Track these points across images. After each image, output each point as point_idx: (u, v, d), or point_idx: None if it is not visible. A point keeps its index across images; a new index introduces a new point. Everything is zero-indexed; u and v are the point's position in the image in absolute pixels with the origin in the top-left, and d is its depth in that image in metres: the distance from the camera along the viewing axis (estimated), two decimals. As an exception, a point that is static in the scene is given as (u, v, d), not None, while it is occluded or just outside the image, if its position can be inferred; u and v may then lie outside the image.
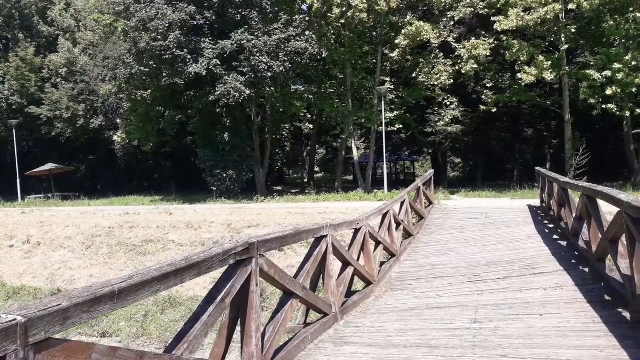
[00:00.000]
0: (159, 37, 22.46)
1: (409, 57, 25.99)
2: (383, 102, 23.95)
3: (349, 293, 7.00)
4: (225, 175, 23.96)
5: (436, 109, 27.75)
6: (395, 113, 26.50)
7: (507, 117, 30.48)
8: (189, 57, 22.29)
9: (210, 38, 23.09)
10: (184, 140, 28.96)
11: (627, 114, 21.53)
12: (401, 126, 27.56)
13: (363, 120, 26.78)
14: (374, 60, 27.08)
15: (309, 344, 4.75)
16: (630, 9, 21.16)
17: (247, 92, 22.02)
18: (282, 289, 4.52)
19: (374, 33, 27.78)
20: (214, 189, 24.37)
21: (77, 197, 29.95)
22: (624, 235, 5.28)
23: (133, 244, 14.27)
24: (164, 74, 22.74)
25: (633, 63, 20.51)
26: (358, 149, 32.02)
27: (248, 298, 3.71)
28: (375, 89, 25.33)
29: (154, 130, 28.60)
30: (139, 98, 28.32)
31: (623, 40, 21.80)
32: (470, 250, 9.34)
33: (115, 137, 31.76)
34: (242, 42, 22.10)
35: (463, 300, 6.28)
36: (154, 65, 23.09)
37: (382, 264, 8.82)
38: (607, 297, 5.63)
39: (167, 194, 28.05)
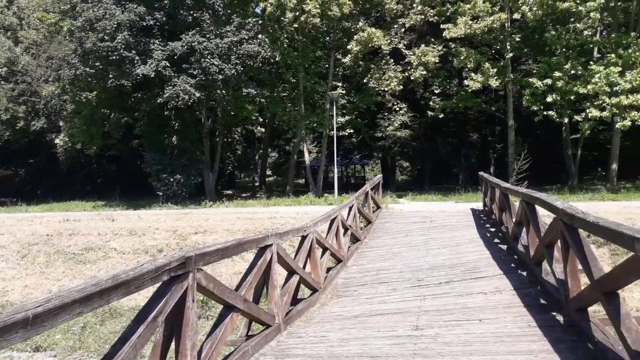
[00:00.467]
0: (107, 38, 21.80)
1: (360, 62, 26.27)
2: (335, 107, 24.09)
3: (295, 301, 6.96)
4: (172, 179, 23.39)
5: (386, 114, 28.19)
6: (347, 118, 26.70)
7: (453, 123, 31.30)
8: (137, 58, 21.73)
9: (160, 39, 22.57)
10: (130, 144, 28.09)
11: (566, 120, 22.52)
12: (352, 131, 27.81)
13: (315, 125, 26.84)
14: (327, 65, 27.22)
15: (250, 357, 4.65)
16: (571, 20, 22.21)
17: (197, 94, 21.64)
18: (222, 303, 4.41)
19: (327, 38, 27.89)
20: (160, 193, 23.73)
21: (15, 202, 28.38)
22: (559, 240, 5.48)
23: (72, 252, 13.66)
24: (111, 75, 22.07)
25: (572, 72, 21.50)
26: (310, 152, 32.03)
27: (184, 315, 3.59)
28: (327, 93, 25.45)
29: (99, 133, 27.65)
30: (84, 100, 27.25)
31: (564, 50, 22.85)
32: (414, 255, 9.51)
33: (57, 140, 30.38)
34: (193, 44, 21.71)
35: (406, 307, 6.36)
36: (100, 66, 22.41)
37: (328, 269, 8.83)
38: (542, 301, 5.82)
39: (110, 199, 27.14)
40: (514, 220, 8.78)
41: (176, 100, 21.30)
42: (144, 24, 22.29)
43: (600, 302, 4.06)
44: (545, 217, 7.59)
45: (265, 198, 26.61)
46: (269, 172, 52.05)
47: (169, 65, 21.56)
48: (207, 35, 22.23)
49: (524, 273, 7.16)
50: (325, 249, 8.64)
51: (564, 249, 5.18)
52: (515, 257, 8.13)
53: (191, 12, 22.66)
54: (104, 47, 21.47)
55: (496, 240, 9.73)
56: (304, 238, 7.41)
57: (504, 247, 9.05)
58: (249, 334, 5.52)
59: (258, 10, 27.78)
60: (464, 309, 5.96)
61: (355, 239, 11.26)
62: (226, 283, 11.86)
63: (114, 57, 21.48)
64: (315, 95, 28.02)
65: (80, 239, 14.51)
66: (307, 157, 29.39)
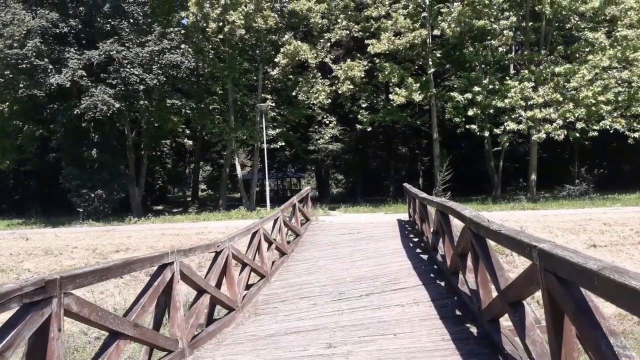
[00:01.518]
0: (15, 45, 20.51)
1: (289, 76, 26.16)
2: (264, 120, 23.77)
3: (210, 322, 6.53)
4: (93, 195, 22.19)
5: (317, 127, 28.21)
6: (278, 130, 26.48)
7: (382, 136, 31.83)
8: (51, 67, 20.63)
9: (76, 47, 21.59)
10: (46, 157, 26.40)
11: (487, 133, 23.33)
12: (284, 144, 27.59)
13: (246, 137, 26.36)
14: (255, 78, 26.92)
15: (141, 389, 4.19)
16: (488, 37, 23.25)
17: (117, 105, 20.73)
18: (105, 330, 3.92)
19: (257, 51, 27.61)
20: (81, 210, 22.42)
21: None
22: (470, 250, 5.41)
23: (-25, 276, 12.45)
24: (22, 85, 20.83)
25: (490, 86, 22.42)
26: (244, 166, 31.41)
27: (47, 347, 3.10)
28: (257, 105, 25.11)
29: (12, 146, 25.88)
30: (-6, 111, 25.39)
31: (482, 65, 23.86)
32: (339, 267, 9.31)
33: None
34: (112, 53, 20.81)
35: (323, 322, 6.09)
36: (10, 75, 21.11)
37: (249, 286, 8.43)
38: (458, 312, 5.73)
39: (28, 217, 25.36)
40: (431, 230, 8.80)
41: (94, 111, 20.33)
42: (58, 31, 21.31)
43: (507, 312, 3.96)
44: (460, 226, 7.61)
45: (195, 213, 25.77)
46: (203, 186, 50.67)
47: (86, 74, 20.66)
48: (127, 44, 21.42)
49: (442, 283, 7.10)
50: (244, 265, 8.24)
51: (474, 259, 5.11)
52: (435, 267, 8.10)
53: (109, 20, 21.81)
54: (13, 55, 20.20)
55: (418, 250, 9.73)
56: (217, 254, 6.99)
57: (425, 257, 9.04)
58: (150, 362, 5.03)
59: (185, 22, 27.08)
60: (380, 322, 5.76)
61: (281, 253, 10.92)
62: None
63: (25, 66, 20.25)
64: (245, 108, 27.61)
65: (-13, 260, 13.33)
66: (239, 170, 28.77)
